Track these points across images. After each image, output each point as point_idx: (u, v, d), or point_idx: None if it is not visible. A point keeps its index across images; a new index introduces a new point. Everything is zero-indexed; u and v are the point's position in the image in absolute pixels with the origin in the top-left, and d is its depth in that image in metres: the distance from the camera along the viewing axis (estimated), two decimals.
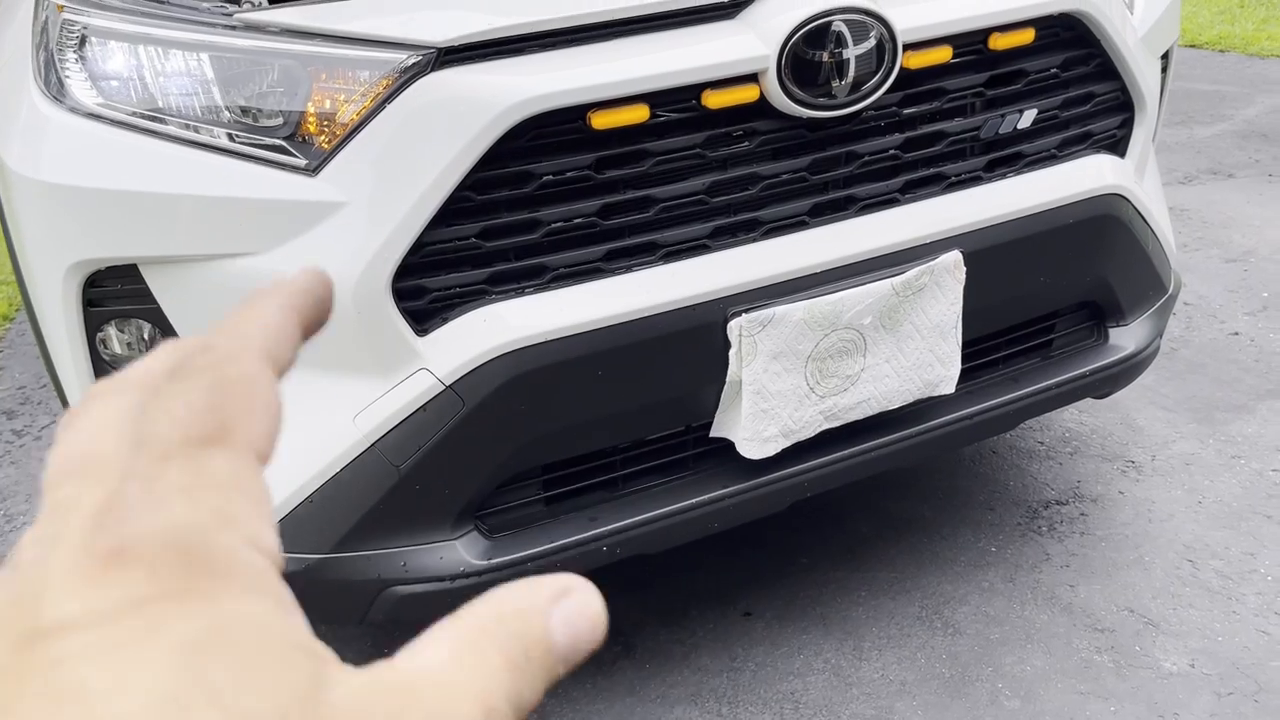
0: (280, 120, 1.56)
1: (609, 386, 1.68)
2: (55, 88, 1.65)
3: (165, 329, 1.68)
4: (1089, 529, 2.38)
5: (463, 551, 1.70)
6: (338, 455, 1.63)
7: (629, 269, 1.66)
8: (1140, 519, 2.40)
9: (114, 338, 1.74)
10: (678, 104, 1.62)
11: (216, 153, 1.57)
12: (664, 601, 2.27)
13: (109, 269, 1.64)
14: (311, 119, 1.55)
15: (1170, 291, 2.24)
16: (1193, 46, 6.46)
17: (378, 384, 1.61)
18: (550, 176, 1.58)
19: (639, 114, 1.58)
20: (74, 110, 1.62)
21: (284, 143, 1.56)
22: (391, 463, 1.63)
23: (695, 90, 1.61)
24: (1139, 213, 2.05)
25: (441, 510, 1.68)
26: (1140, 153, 2.06)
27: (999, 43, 1.80)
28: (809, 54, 1.63)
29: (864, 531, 2.42)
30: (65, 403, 1.86)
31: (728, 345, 1.70)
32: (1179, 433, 2.71)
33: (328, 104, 1.55)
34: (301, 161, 1.55)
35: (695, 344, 1.70)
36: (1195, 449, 2.64)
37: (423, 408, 1.60)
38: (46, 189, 1.61)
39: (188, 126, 1.57)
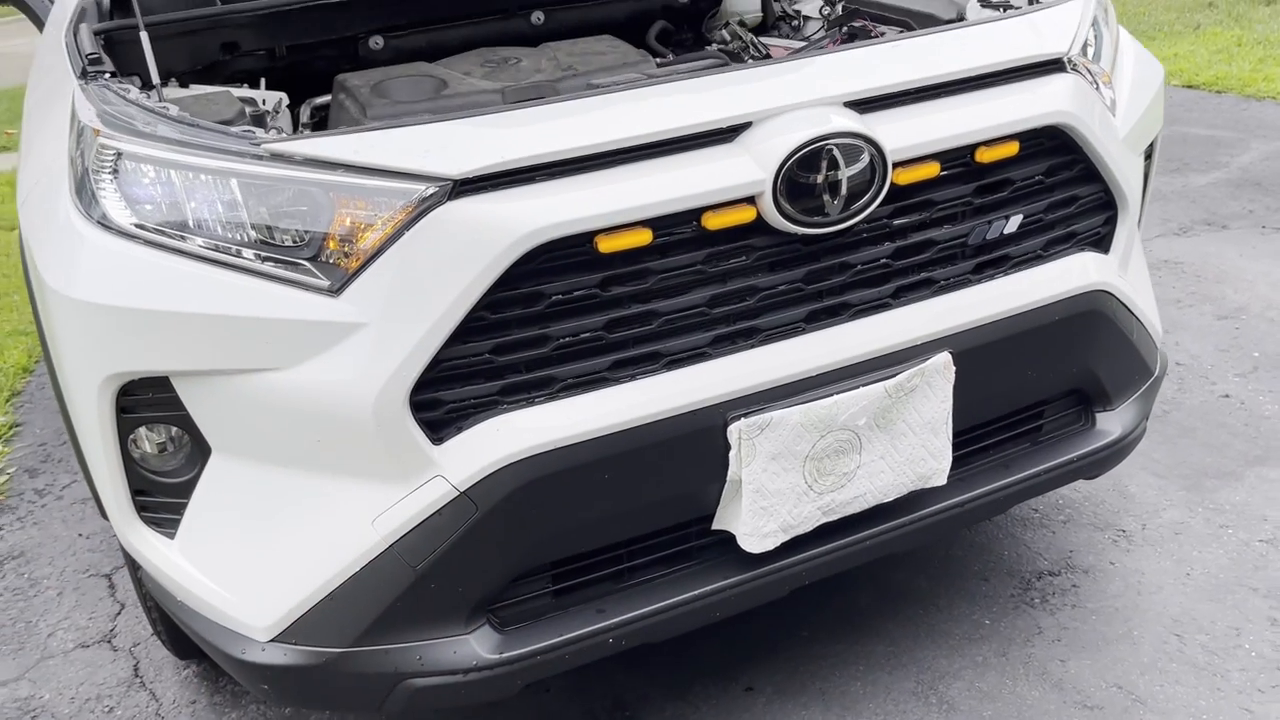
0: (304, 244, 1.65)
1: (615, 488, 1.76)
2: (89, 204, 1.75)
3: (195, 435, 1.78)
4: (1080, 601, 2.46)
5: (475, 646, 1.78)
6: (358, 556, 1.72)
7: (633, 377, 1.75)
8: (1130, 591, 2.48)
9: (144, 438, 1.83)
10: (679, 225, 1.71)
11: (244, 274, 1.66)
12: (667, 675, 2.35)
13: (141, 380, 1.73)
14: (334, 243, 1.64)
15: (1156, 374, 2.32)
16: (1189, 87, 6.56)
17: (395, 490, 1.70)
18: (560, 296, 1.67)
19: (643, 237, 1.67)
20: (107, 229, 1.71)
21: (309, 264, 1.65)
22: (408, 564, 1.71)
23: (696, 213, 1.70)
24: (1123, 305, 2.13)
25: (455, 607, 1.77)
26: (1124, 246, 2.15)
27: (985, 156, 1.89)
28: (803, 176, 1.72)
29: (862, 602, 2.50)
30: (97, 499, 1.95)
31: (728, 447, 1.79)
32: (1169, 500, 2.78)
33: (350, 230, 1.64)
34: (325, 283, 1.64)
35: (697, 446, 1.79)
36: (1184, 517, 2.72)
37: (438, 512, 1.69)
38: (82, 307, 1.71)
39: (217, 248, 1.66)
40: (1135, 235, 2.29)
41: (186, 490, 1.82)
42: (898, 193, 1.84)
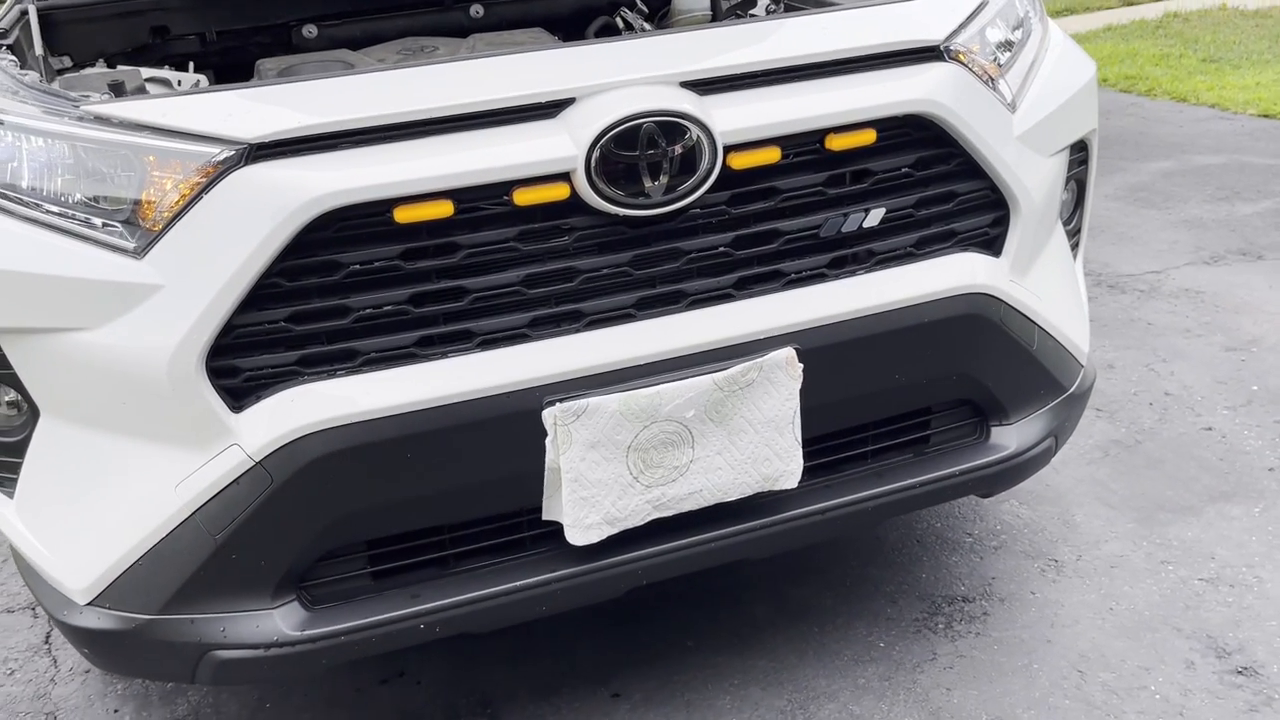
0: (119, 206, 1.66)
1: (424, 469, 1.72)
2: None
3: (25, 395, 1.80)
4: (986, 630, 2.32)
5: (279, 621, 1.76)
6: (163, 521, 1.71)
7: (444, 355, 1.71)
8: (1042, 622, 2.33)
9: None
10: (486, 200, 1.67)
11: (59, 233, 1.67)
12: (540, 674, 2.29)
13: None
14: (145, 206, 1.65)
15: (1071, 390, 2.18)
16: (1265, 116, 6.22)
17: (196, 457, 1.69)
18: (358, 266, 1.65)
19: (443, 209, 1.64)
20: None
21: (121, 226, 1.66)
22: (209, 533, 1.70)
23: (503, 187, 1.66)
24: (1017, 312, 2.01)
25: (260, 580, 1.75)
26: (1020, 250, 2.02)
27: (836, 143, 1.80)
28: (620, 155, 1.67)
29: (758, 616, 2.40)
30: None
31: (544, 433, 1.73)
32: (1114, 532, 2.61)
33: (157, 192, 1.64)
34: (131, 245, 1.65)
35: (511, 431, 1.74)
36: (1125, 550, 2.54)
37: (235, 481, 1.68)
38: None
39: (35, 206, 1.69)
40: (1053, 241, 2.16)
41: (20, 450, 1.84)
42: (734, 178, 1.77)
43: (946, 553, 2.59)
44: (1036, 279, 2.10)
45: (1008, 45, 2.09)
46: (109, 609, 1.78)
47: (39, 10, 2.39)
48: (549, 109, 1.70)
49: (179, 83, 2.41)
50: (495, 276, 1.71)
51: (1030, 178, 2.01)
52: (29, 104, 1.75)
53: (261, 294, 1.63)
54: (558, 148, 1.66)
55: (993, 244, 2.01)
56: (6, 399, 1.83)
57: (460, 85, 1.70)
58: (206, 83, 2.48)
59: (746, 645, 2.32)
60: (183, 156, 1.63)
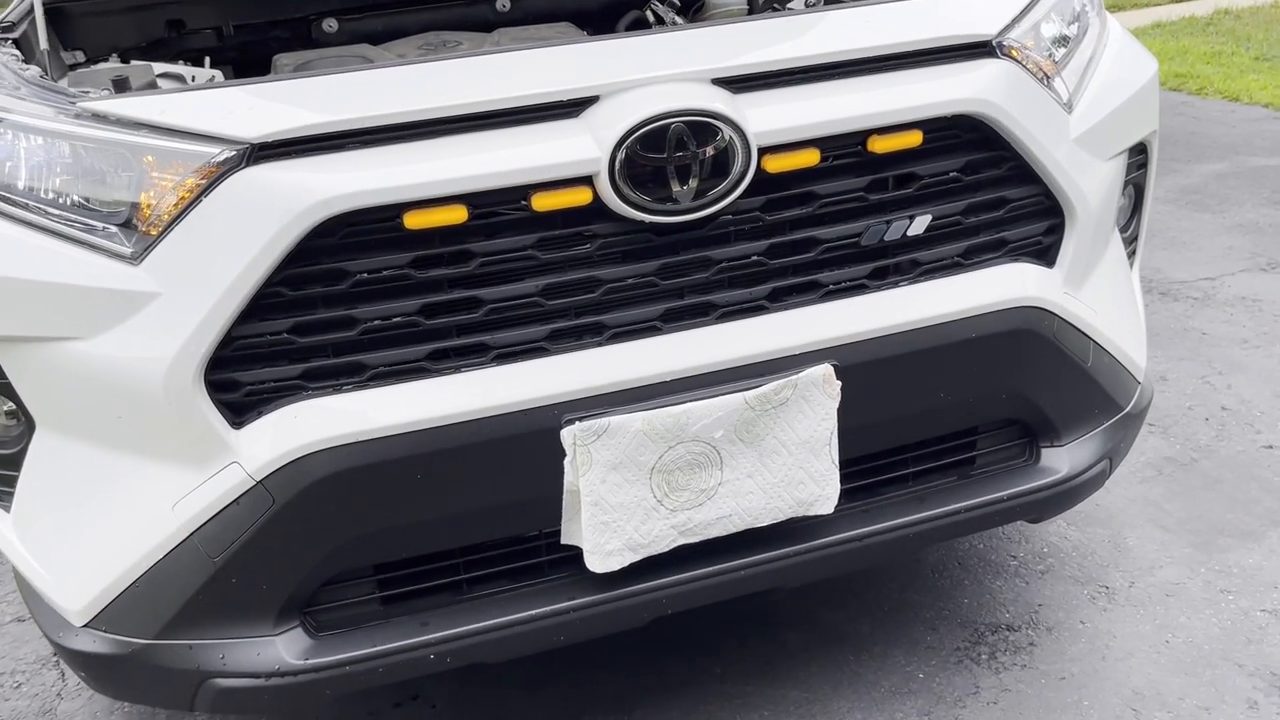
0: (116, 209, 1.57)
1: (434, 491, 1.62)
2: None
3: (20, 405, 1.71)
4: (1033, 661, 2.18)
5: (280, 649, 1.66)
6: (160, 542, 1.62)
7: (457, 370, 1.61)
8: (1093, 654, 2.19)
9: None
10: (503, 205, 1.56)
11: (55, 237, 1.58)
12: (559, 701, 2.18)
13: None
14: (140, 209, 1.56)
15: (1128, 410, 2.04)
16: None
17: (194, 475, 1.60)
18: (365, 274, 1.55)
19: (455, 215, 1.53)
20: None
21: (119, 230, 1.57)
22: (207, 555, 1.61)
23: (520, 192, 1.55)
24: (1072, 327, 1.88)
25: (261, 605, 1.65)
26: (1076, 260, 1.89)
27: (880, 145, 1.68)
28: (647, 158, 1.55)
29: (790, 642, 2.28)
30: None
31: (562, 454, 1.62)
32: (1169, 557, 2.46)
33: (155, 195, 1.55)
34: (128, 250, 1.55)
35: (529, 450, 1.63)
36: (1182, 578, 2.39)
37: (235, 502, 1.58)
38: None
39: (28, 208, 1.60)
40: (1110, 250, 2.02)
41: (17, 463, 1.75)
42: (769, 182, 1.65)
43: (990, 577, 2.45)
44: (1092, 291, 1.96)
45: (1064, 41, 1.96)
46: (105, 632, 1.69)
47: (51, 4, 2.31)
48: (571, 108, 1.59)
49: (193, 78, 2.32)
50: (512, 286, 1.60)
51: (1087, 183, 1.87)
52: (25, 100, 1.66)
53: (263, 303, 1.53)
54: (579, 149, 1.55)
55: (1046, 254, 1.88)
56: (4, 409, 1.74)
57: (476, 82, 1.59)
58: (222, 79, 2.39)
59: (777, 674, 2.19)
60: (181, 157, 1.53)
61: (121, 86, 1.83)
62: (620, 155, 1.54)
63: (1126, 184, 2.11)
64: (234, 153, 1.51)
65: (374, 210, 1.50)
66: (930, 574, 2.47)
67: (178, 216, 1.53)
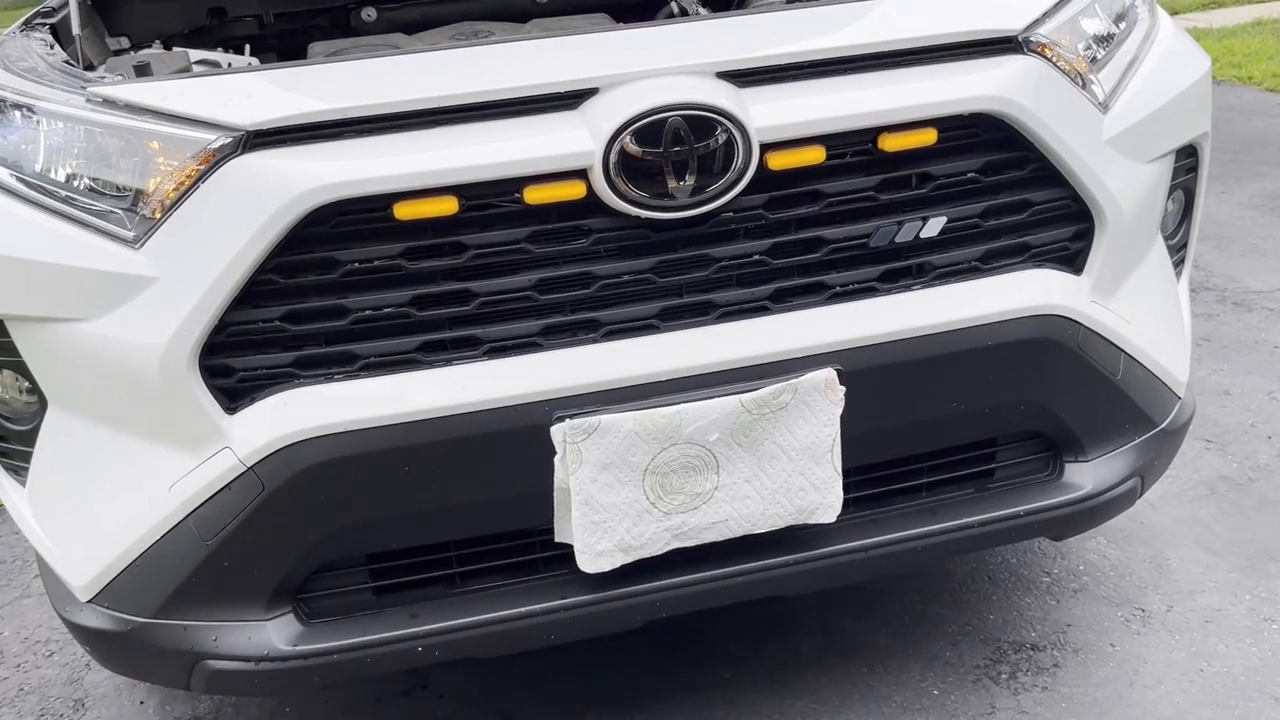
0: (122, 192, 1.59)
1: (423, 483, 1.61)
2: None
3: (33, 383, 1.75)
4: (1055, 684, 2.10)
5: (271, 634, 1.67)
6: (158, 522, 1.64)
7: (448, 362, 1.60)
8: (1120, 680, 2.09)
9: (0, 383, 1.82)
10: (495, 197, 1.54)
11: (61, 219, 1.61)
12: (565, 698, 2.16)
13: None
14: (144, 194, 1.57)
15: (1163, 426, 1.95)
16: None
17: (190, 458, 1.61)
18: (356, 264, 1.54)
19: (446, 206, 1.51)
20: None
21: (123, 214, 1.59)
22: (201, 538, 1.62)
23: (513, 184, 1.53)
24: (1099, 336, 1.79)
25: (253, 590, 1.66)
26: (1106, 268, 1.80)
27: (891, 143, 1.62)
28: (642, 152, 1.52)
29: (803, 650, 2.23)
30: None
31: (553, 451, 1.60)
32: (1213, 582, 2.35)
33: (158, 180, 1.56)
34: (130, 234, 1.57)
35: (519, 447, 1.61)
36: (1224, 604, 2.28)
37: (227, 487, 1.59)
38: None
39: (39, 189, 1.63)
40: (1150, 257, 1.93)
41: (31, 439, 1.79)
42: (773, 180, 1.60)
43: (1020, 593, 2.37)
44: (1126, 300, 1.87)
45: (1106, 39, 1.87)
46: (107, 609, 1.72)
47: None
48: (569, 100, 1.56)
49: (229, 65, 2.35)
50: (504, 280, 1.58)
51: (1121, 186, 1.78)
52: (42, 84, 1.69)
53: (256, 290, 1.53)
54: (572, 142, 1.52)
55: (1073, 260, 1.80)
56: (25, 385, 1.78)
57: (475, 73, 1.57)
58: (257, 64, 2.41)
59: (787, 683, 2.15)
60: (181, 143, 1.55)
61: (143, 72, 1.86)
62: (615, 149, 1.51)
63: (1174, 188, 2.01)
64: (229, 140, 1.51)
65: (363, 200, 1.50)
66: (957, 587, 2.39)
67: (175, 202, 1.54)
